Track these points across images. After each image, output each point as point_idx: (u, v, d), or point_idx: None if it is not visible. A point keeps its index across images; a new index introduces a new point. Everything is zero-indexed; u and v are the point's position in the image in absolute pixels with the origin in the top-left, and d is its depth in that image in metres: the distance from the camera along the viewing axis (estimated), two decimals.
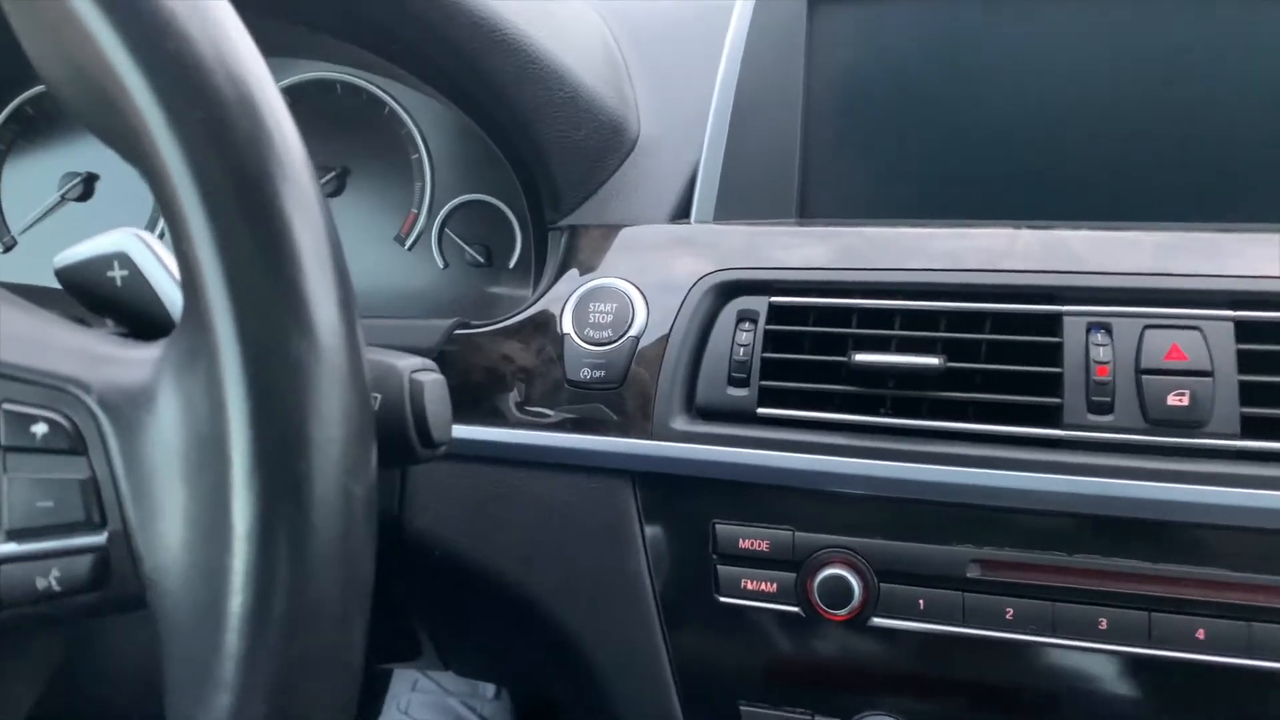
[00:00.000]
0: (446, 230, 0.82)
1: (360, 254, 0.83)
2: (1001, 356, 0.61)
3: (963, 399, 0.61)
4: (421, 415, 0.45)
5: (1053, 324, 0.61)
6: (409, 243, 0.83)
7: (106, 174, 0.88)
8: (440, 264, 0.82)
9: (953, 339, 0.62)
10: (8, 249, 0.89)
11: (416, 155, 0.81)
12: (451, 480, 0.70)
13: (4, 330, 0.33)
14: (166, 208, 0.32)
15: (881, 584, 0.61)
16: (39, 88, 0.88)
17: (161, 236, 0.43)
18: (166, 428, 0.32)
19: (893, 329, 0.63)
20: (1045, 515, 0.58)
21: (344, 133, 0.83)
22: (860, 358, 0.61)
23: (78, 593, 0.31)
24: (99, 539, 0.32)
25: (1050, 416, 0.59)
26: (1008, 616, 0.58)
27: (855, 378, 0.62)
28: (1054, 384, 0.60)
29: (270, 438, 0.30)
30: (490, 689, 1.27)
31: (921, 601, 0.60)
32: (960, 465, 0.59)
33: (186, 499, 0.31)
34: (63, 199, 0.88)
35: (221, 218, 0.31)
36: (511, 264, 0.81)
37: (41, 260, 0.88)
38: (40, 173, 0.89)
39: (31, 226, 0.89)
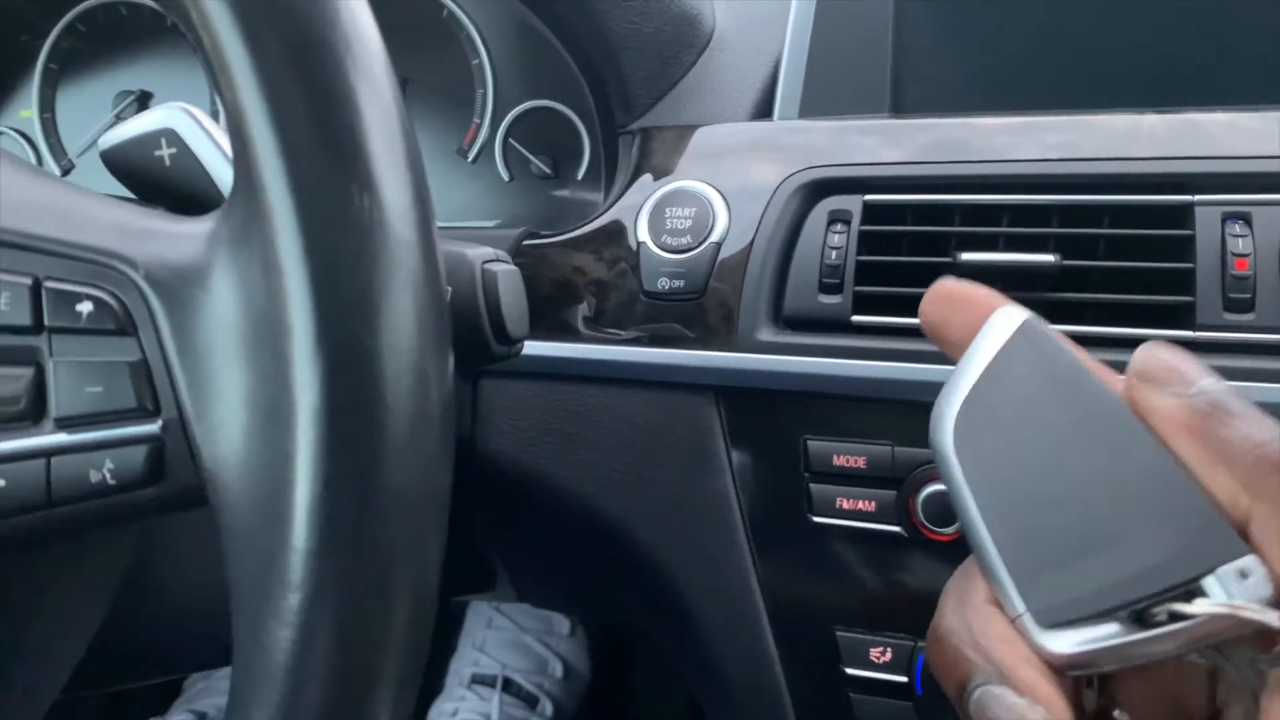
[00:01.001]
0: (511, 140, 0.78)
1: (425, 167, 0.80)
2: (1125, 253, 0.56)
3: (1082, 299, 0.56)
4: (496, 308, 0.41)
5: (1183, 214, 0.55)
6: (472, 154, 0.79)
7: (161, 91, 0.86)
8: (505, 176, 0.79)
9: (1069, 235, 0.56)
10: (65, 172, 0.87)
11: (477, 61, 0.77)
12: (524, 399, 0.67)
13: (40, 202, 0.30)
14: (214, 66, 0.28)
15: None
16: (90, 2, 0.85)
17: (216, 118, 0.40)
18: (221, 305, 0.29)
19: (1000, 226, 0.58)
20: None
21: (401, 40, 0.79)
22: (967, 256, 0.57)
23: (133, 487, 0.29)
24: (153, 428, 0.29)
25: (1182, 317, 0.54)
26: None
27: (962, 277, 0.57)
28: (1185, 281, 0.54)
29: (334, 309, 0.27)
30: (566, 625, 1.26)
31: None
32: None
33: (245, 381, 0.28)
34: (117, 119, 0.85)
35: (274, 76, 0.27)
36: (580, 174, 0.77)
37: (100, 183, 0.86)
38: (95, 92, 0.87)
39: (89, 148, 0.87)
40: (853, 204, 0.61)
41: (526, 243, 0.66)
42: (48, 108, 0.87)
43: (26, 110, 0.86)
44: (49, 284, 0.29)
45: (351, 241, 0.27)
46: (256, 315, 0.28)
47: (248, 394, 0.28)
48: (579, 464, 0.66)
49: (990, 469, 0.34)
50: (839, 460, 0.59)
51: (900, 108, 0.69)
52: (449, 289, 0.41)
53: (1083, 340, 0.56)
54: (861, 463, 0.59)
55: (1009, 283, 0.56)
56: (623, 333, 0.64)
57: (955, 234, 0.59)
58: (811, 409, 0.60)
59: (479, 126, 0.78)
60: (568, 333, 0.65)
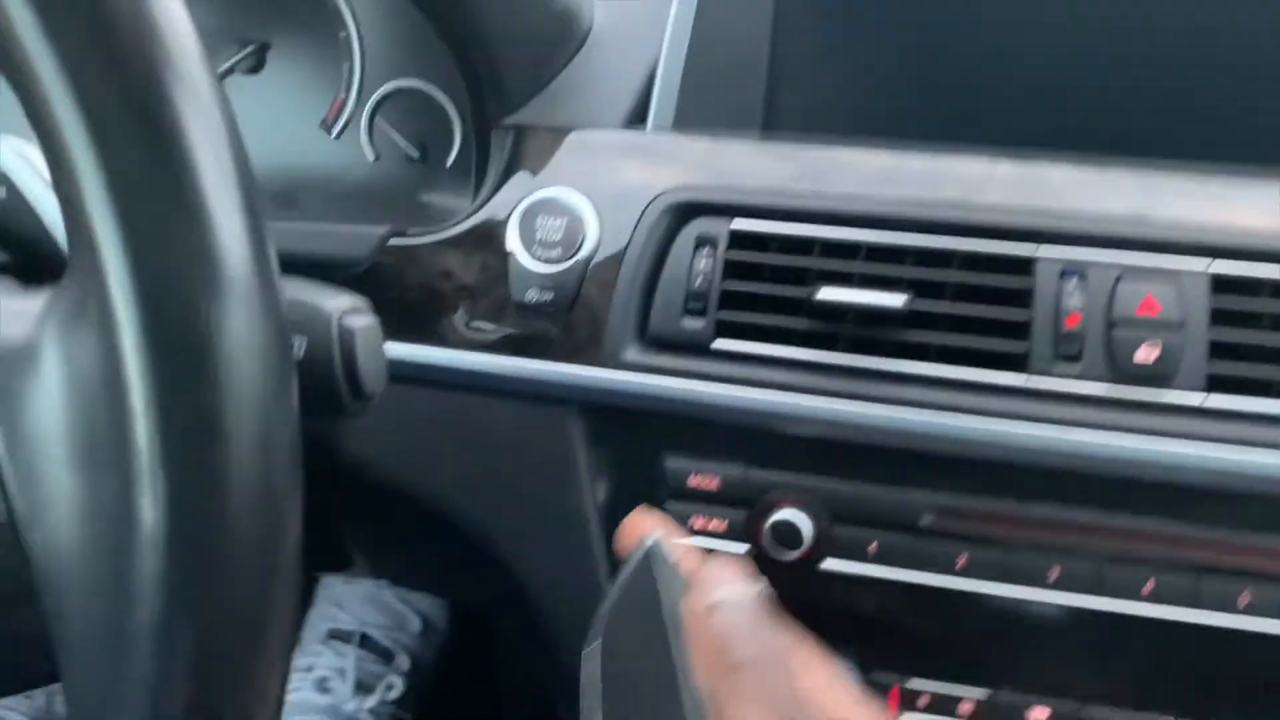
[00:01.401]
0: (378, 119, 0.75)
1: (282, 140, 0.76)
2: (970, 297, 0.59)
3: (927, 342, 0.59)
4: (352, 364, 0.41)
5: (1025, 266, 0.58)
6: (336, 130, 0.76)
7: (281, 45, 0.76)
8: (370, 156, 0.76)
9: (920, 277, 0.59)
10: None
11: (345, 33, 0.73)
12: (387, 403, 0.66)
13: None
14: (39, 127, 0.27)
15: (834, 526, 0.60)
16: None
17: None
18: (52, 394, 0.28)
19: (858, 261, 0.60)
20: (1004, 464, 0.57)
21: (265, 2, 0.75)
22: (821, 295, 0.59)
23: None
24: None
25: (1016, 363, 0.58)
26: (960, 564, 0.58)
27: (816, 313, 0.60)
28: (1022, 330, 0.58)
29: (178, 408, 0.26)
30: None
31: (874, 546, 0.60)
32: (919, 409, 0.58)
33: (81, 487, 0.27)
34: (231, 70, 0.75)
35: (106, 135, 0.26)
36: (449, 162, 0.75)
37: None
38: (204, 36, 0.76)
39: None
40: (720, 229, 0.62)
41: (393, 242, 0.65)
42: None
43: None
44: None
45: (197, 320, 0.26)
46: (93, 404, 0.27)
47: (84, 498, 0.27)
48: (441, 470, 0.66)
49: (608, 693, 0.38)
50: (694, 480, 0.62)
51: (772, 125, 0.70)
52: (303, 340, 0.41)
53: (926, 381, 0.60)
54: (715, 483, 0.62)
55: (862, 321, 0.59)
56: (491, 340, 0.64)
57: (815, 268, 0.61)
58: (671, 428, 0.62)
59: (344, 102, 0.75)
60: (434, 337, 0.65)
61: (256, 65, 0.76)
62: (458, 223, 0.65)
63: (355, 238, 0.64)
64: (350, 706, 1.09)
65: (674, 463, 0.62)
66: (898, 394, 0.58)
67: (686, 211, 0.62)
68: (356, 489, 0.70)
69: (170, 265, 0.26)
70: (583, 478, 0.64)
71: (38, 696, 1.04)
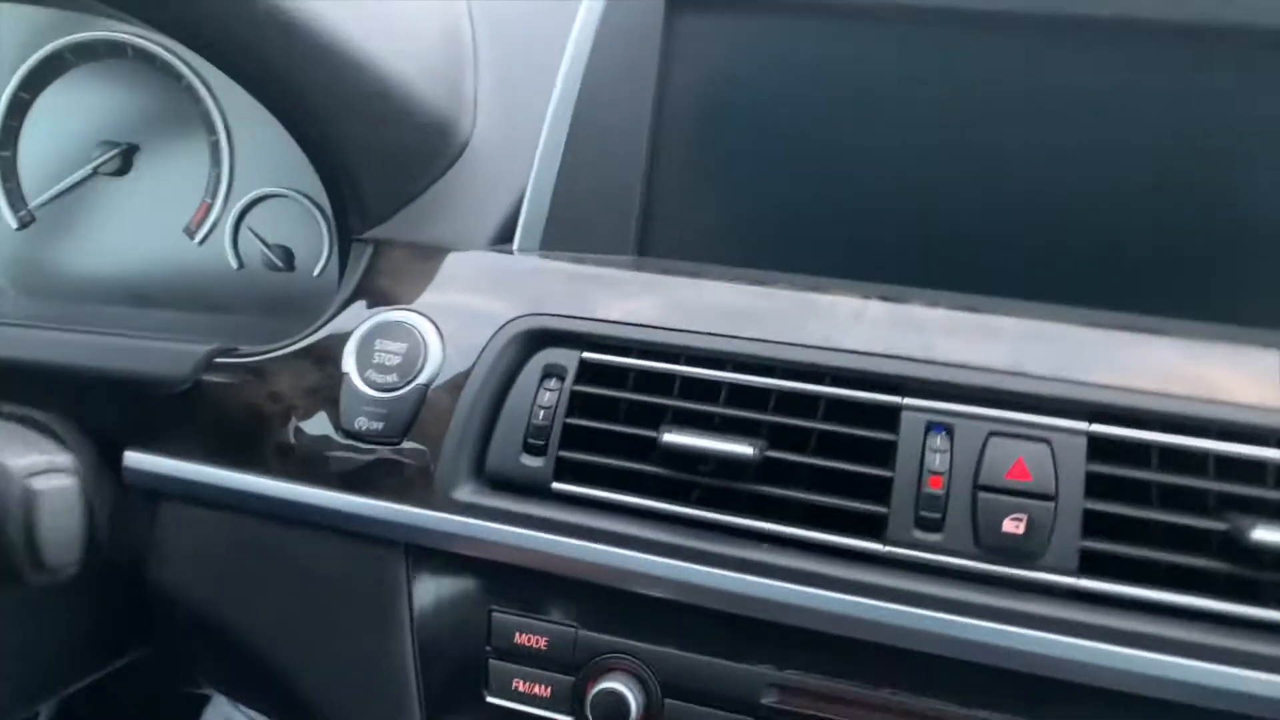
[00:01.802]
0: (245, 225, 0.72)
1: (145, 244, 0.73)
2: (832, 449, 0.53)
3: (781, 496, 0.53)
4: (32, 531, 0.36)
5: (890, 418, 0.53)
6: (200, 236, 0.72)
7: (150, 148, 0.74)
8: (234, 264, 0.72)
9: (780, 424, 0.54)
10: (23, 225, 0.74)
11: (214, 138, 0.70)
12: (204, 530, 0.61)
13: None
14: None
15: (666, 699, 0.53)
16: (93, 33, 0.73)
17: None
18: None
19: (716, 405, 0.55)
20: (855, 642, 0.51)
21: (135, 103, 0.72)
22: (669, 438, 0.53)
23: None
24: None
25: (874, 528, 0.52)
26: None
27: (666, 459, 0.54)
28: (884, 490, 0.52)
29: None
30: None
31: None
32: (768, 576, 0.51)
33: None
34: (95, 172, 0.73)
35: None
36: (317, 272, 0.71)
37: (63, 243, 0.74)
38: (70, 136, 0.74)
39: (51, 201, 0.74)
40: (570, 359, 0.57)
41: (220, 360, 0.60)
42: (9, 144, 0.75)
43: None
44: None
45: None
46: None
47: None
48: (257, 608, 0.60)
49: None
50: (521, 638, 0.55)
51: (646, 249, 0.66)
52: None
53: (779, 541, 0.54)
54: (543, 643, 0.55)
55: (715, 471, 0.53)
56: (316, 471, 0.59)
57: (671, 407, 0.55)
58: (501, 578, 0.56)
59: (210, 206, 0.71)
60: (255, 463, 0.59)
61: (123, 167, 0.72)
62: (293, 342, 0.61)
63: (175, 355, 0.59)
64: None
65: (502, 617, 0.56)
66: (747, 556, 0.52)
67: (536, 340, 0.58)
68: (173, 626, 0.63)
69: None
70: (403, 626, 0.57)
71: None
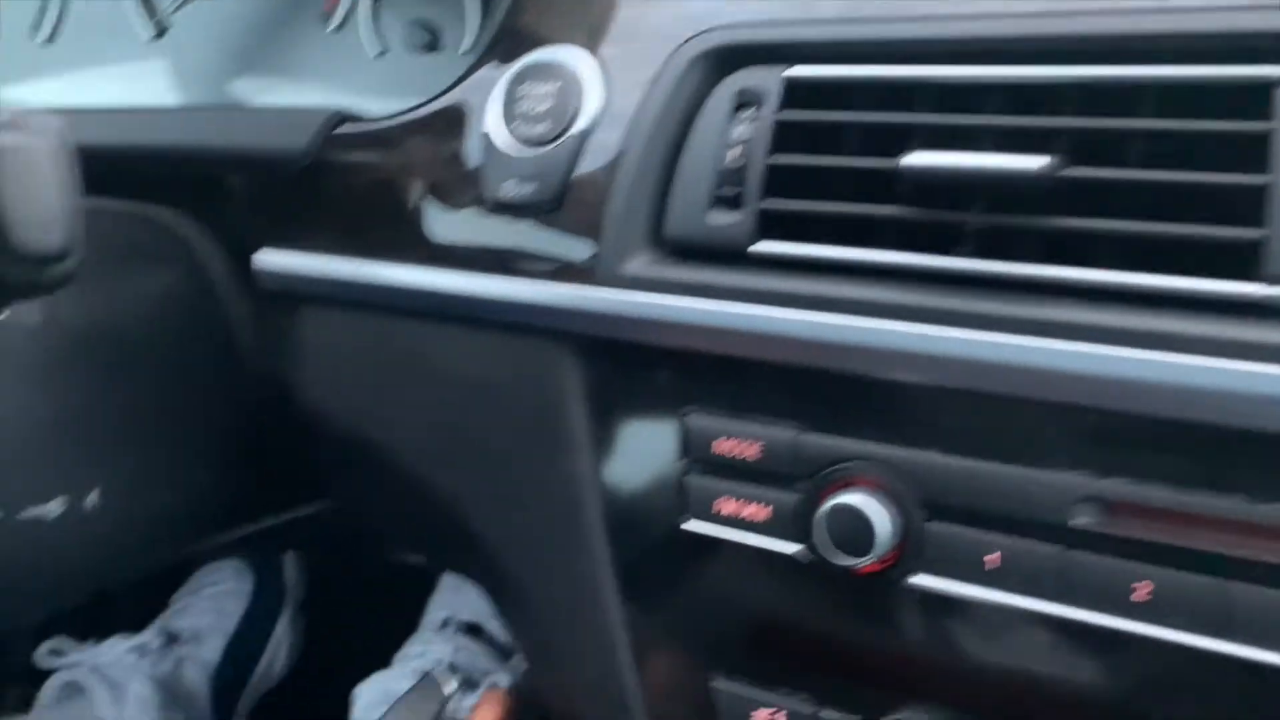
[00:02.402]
0: (382, 5, 0.60)
1: (279, 39, 0.63)
2: (1164, 158, 0.36)
3: (1090, 230, 0.36)
4: None
5: (1260, 99, 0.35)
6: (335, 22, 0.61)
7: None
8: (373, 50, 0.61)
9: (1084, 130, 0.37)
10: (160, 33, 0.66)
11: None
12: (341, 335, 0.51)
13: None
14: None
15: (929, 523, 0.38)
16: None
17: None
18: None
19: (986, 115, 0.39)
20: (1218, 432, 0.34)
21: None
22: (917, 160, 0.38)
23: None
24: None
25: (1240, 263, 0.34)
26: (1139, 596, 0.35)
27: (915, 195, 0.39)
28: (1252, 205, 0.34)
29: None
30: None
31: (993, 557, 0.37)
32: (1081, 340, 0.35)
33: None
34: None
35: None
36: (463, 48, 0.59)
37: (201, 50, 0.65)
38: None
39: (185, 4, 0.66)
40: (770, 80, 0.42)
41: (341, 130, 0.49)
42: None
43: None
44: None
45: None
46: None
47: None
48: (404, 423, 0.50)
49: None
50: (724, 446, 0.42)
51: None
52: None
53: (1090, 295, 0.37)
54: (754, 451, 0.41)
55: (987, 202, 0.37)
56: (460, 253, 0.47)
57: (918, 126, 0.39)
58: (695, 371, 0.43)
59: None
60: (390, 249, 0.49)
61: None
62: (423, 105, 0.49)
63: (292, 122, 0.49)
64: (449, 707, 0.97)
65: (698, 420, 0.43)
66: (1050, 316, 0.36)
67: (724, 59, 0.43)
68: (326, 445, 0.55)
69: None
70: (581, 442, 0.45)
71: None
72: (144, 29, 0.65)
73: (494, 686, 1.00)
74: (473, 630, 1.07)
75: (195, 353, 0.51)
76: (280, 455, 0.57)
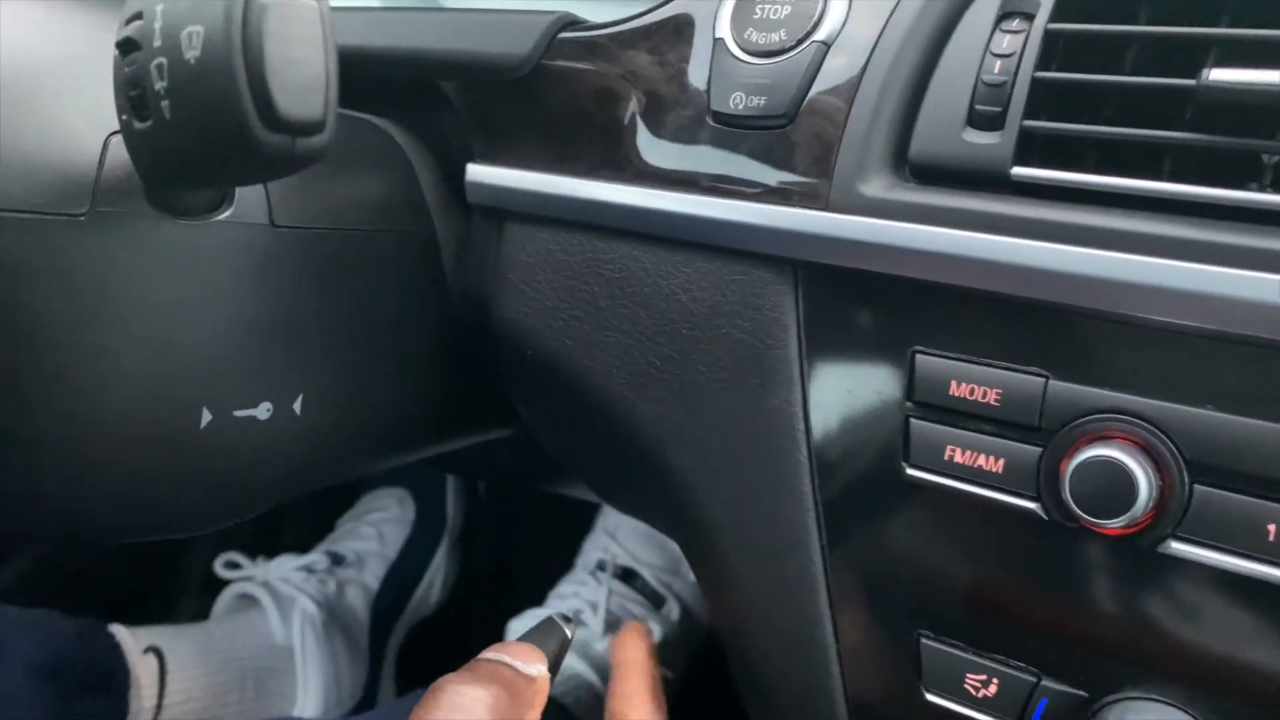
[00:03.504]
0: None
1: None
2: None
3: None
4: (257, 64, 0.25)
5: None
6: None
7: None
8: None
9: None
10: None
11: None
12: (548, 254, 0.51)
13: None
14: None
15: (1195, 484, 0.35)
16: None
17: None
18: None
19: None
20: None
21: None
22: (1218, 75, 0.34)
23: None
24: None
25: None
26: None
27: (1204, 119, 0.35)
28: None
29: None
30: None
31: (1274, 527, 0.34)
32: None
33: None
34: None
35: None
36: None
37: None
38: None
39: None
40: None
41: (564, 35, 0.49)
42: None
43: None
44: None
45: None
46: None
47: None
48: (606, 348, 0.50)
49: None
50: (958, 389, 0.39)
51: None
52: (199, 36, 0.25)
53: None
54: (993, 397, 0.39)
55: None
56: (681, 171, 0.46)
57: (1213, 37, 0.36)
58: (931, 305, 0.40)
59: None
60: (607, 165, 0.48)
61: None
62: (651, 10, 0.48)
63: (515, 27, 0.49)
64: (599, 647, 0.97)
65: (930, 359, 0.40)
66: None
67: None
68: (522, 368, 0.55)
69: None
70: (792, 375, 0.44)
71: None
72: None
73: (636, 620, 1.00)
74: (627, 575, 1.08)
75: (403, 266, 0.51)
76: (474, 376, 0.57)
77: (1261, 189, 0.35)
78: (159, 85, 0.27)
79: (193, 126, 0.27)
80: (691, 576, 1.07)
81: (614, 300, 0.49)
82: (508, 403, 0.60)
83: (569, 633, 0.48)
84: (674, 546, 1.09)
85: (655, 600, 1.07)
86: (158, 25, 0.27)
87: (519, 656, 0.44)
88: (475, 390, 0.58)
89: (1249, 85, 0.34)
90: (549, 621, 0.48)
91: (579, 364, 0.51)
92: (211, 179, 0.35)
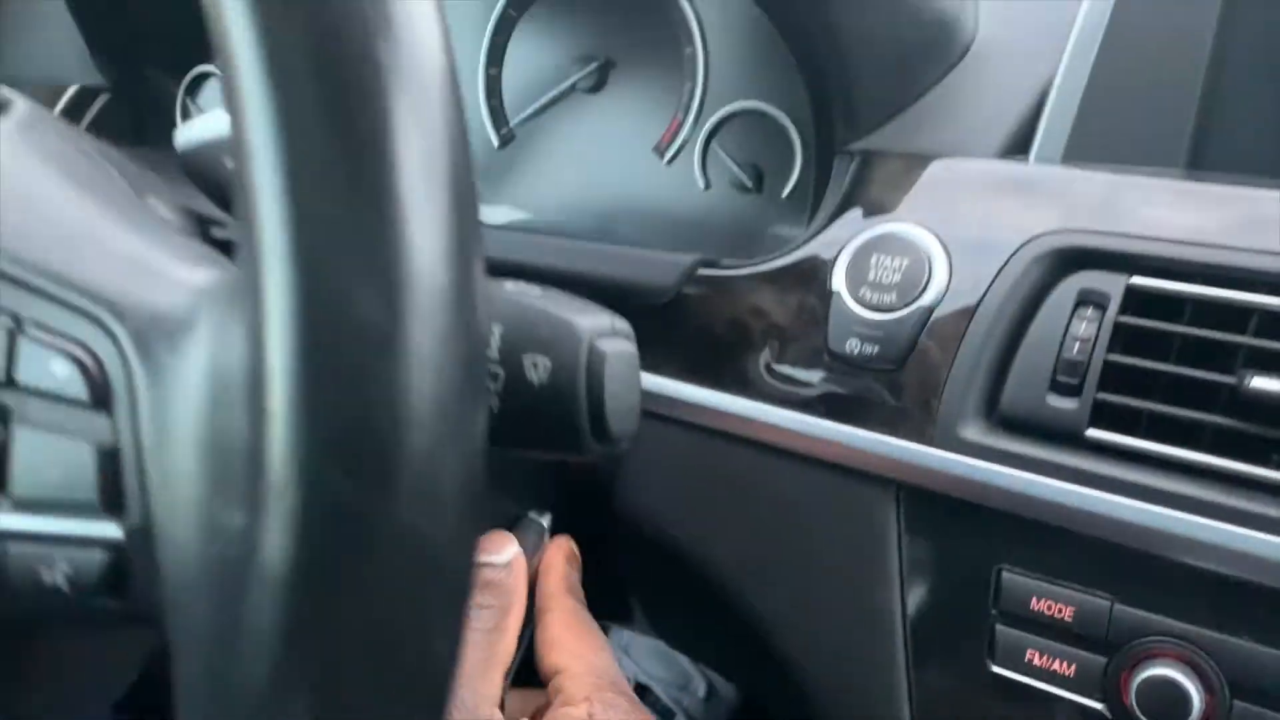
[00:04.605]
0: (713, 144, 0.71)
1: (613, 165, 0.75)
2: None
3: None
4: (598, 397, 0.35)
5: None
6: (669, 155, 0.73)
7: (625, 63, 0.77)
8: (701, 184, 0.72)
9: None
10: (504, 143, 0.80)
11: (690, 49, 0.71)
12: (674, 451, 0.61)
13: (58, 219, 0.26)
14: (226, 85, 0.23)
15: (1236, 701, 0.46)
16: None
17: None
18: (194, 381, 0.24)
19: None
20: None
21: (613, 16, 0.74)
22: (1255, 384, 0.45)
23: (89, 597, 0.25)
24: (115, 532, 0.25)
25: None
26: None
27: (1238, 409, 0.47)
28: None
29: (320, 417, 0.21)
30: None
31: None
32: None
33: (207, 498, 0.23)
34: (573, 88, 0.77)
35: (292, 105, 0.22)
36: (785, 192, 0.69)
37: (539, 160, 0.80)
38: (549, 52, 0.79)
39: (531, 118, 0.79)
40: (1112, 285, 0.50)
41: (703, 272, 0.60)
42: (496, 62, 0.80)
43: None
44: (30, 330, 0.25)
45: (355, 314, 0.21)
46: (228, 407, 0.23)
47: (208, 511, 0.23)
48: (724, 539, 0.60)
49: None
50: (1038, 604, 0.50)
51: (1200, 164, 0.57)
52: (547, 363, 0.36)
53: None
54: (1068, 613, 0.49)
55: None
56: (799, 395, 0.57)
57: (1246, 346, 0.47)
58: (1016, 533, 0.51)
59: (680, 124, 0.72)
60: (735, 382, 0.59)
61: (598, 84, 0.75)
62: (778, 256, 0.59)
63: (662, 264, 0.60)
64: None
65: (1015, 577, 0.51)
66: None
67: (1069, 260, 0.52)
68: (633, 540, 0.65)
69: (337, 253, 0.22)
70: (892, 577, 0.54)
71: None
72: (493, 135, 0.79)
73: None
74: (640, 691, 1.16)
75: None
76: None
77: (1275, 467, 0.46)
78: (492, 386, 0.37)
79: (525, 427, 0.36)
80: (700, 693, 1.16)
81: (732, 496, 0.59)
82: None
83: (545, 524, 0.57)
84: (683, 662, 1.18)
85: (665, 715, 1.15)
86: (495, 341, 0.36)
87: (489, 549, 0.50)
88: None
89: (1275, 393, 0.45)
90: (526, 519, 0.57)
91: (695, 551, 0.61)
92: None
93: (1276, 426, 0.46)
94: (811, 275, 0.58)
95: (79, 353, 0.25)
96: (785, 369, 0.58)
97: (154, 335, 0.25)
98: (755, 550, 0.59)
